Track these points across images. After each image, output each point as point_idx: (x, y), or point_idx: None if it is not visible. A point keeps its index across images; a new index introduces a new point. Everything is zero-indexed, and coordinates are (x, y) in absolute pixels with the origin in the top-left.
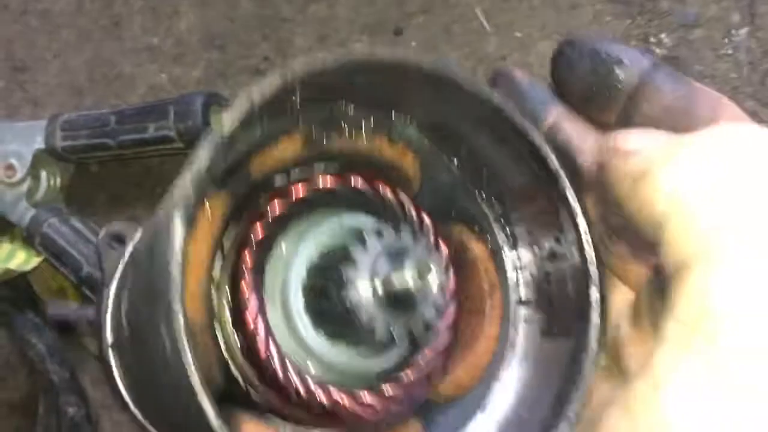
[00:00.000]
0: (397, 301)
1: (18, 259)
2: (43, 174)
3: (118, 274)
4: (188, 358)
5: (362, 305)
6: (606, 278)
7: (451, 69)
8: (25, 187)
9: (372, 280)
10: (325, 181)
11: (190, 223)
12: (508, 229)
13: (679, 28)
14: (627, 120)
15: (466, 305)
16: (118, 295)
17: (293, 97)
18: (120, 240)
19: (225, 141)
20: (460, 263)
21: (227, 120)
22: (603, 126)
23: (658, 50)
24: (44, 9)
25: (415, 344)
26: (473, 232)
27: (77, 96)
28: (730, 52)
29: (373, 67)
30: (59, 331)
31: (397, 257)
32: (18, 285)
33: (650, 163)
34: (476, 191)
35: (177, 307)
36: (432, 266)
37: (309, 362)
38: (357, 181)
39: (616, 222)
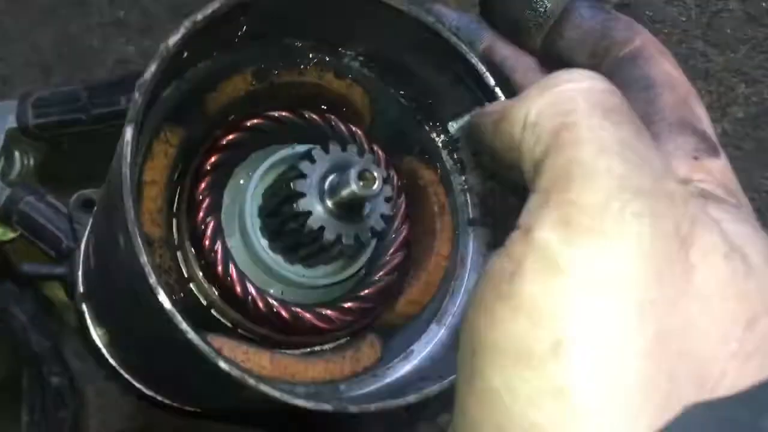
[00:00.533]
0: (350, 210)
1: None
2: (17, 153)
3: (87, 231)
4: (137, 241)
5: (321, 222)
6: None
7: None
8: None
9: (321, 196)
10: (278, 113)
11: (141, 131)
12: (455, 155)
13: None
14: (552, 44)
15: (418, 228)
16: (87, 247)
17: (240, 29)
18: (90, 204)
19: (171, 55)
20: (411, 190)
21: (173, 38)
22: (529, 51)
23: None
24: None
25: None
26: (423, 160)
27: (46, 73)
28: None
29: None
30: (38, 301)
31: (342, 170)
32: None
33: (506, 108)
34: (425, 121)
35: (128, 199)
36: (374, 171)
37: (270, 282)
38: (307, 113)
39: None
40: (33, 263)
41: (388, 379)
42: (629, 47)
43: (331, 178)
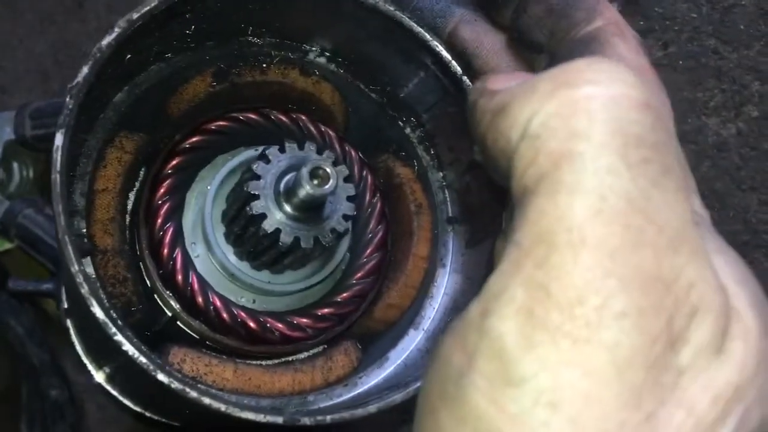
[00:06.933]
0: (308, 211)
1: None
2: (15, 165)
3: None
4: (68, 249)
5: (276, 224)
6: None
7: None
8: None
9: (277, 198)
10: (242, 115)
11: (89, 138)
12: (432, 150)
13: None
14: (516, 19)
15: (396, 228)
16: None
17: (188, 27)
18: None
19: (105, 57)
20: (388, 189)
21: (107, 39)
22: (500, 26)
23: None
24: None
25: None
26: (399, 158)
27: (44, 80)
28: None
29: None
30: (36, 313)
31: (296, 169)
32: None
33: (509, 97)
34: (399, 117)
35: (57, 205)
36: (328, 168)
37: (240, 291)
38: (273, 113)
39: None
40: (19, 279)
41: (360, 389)
42: (586, 29)
43: (287, 178)
